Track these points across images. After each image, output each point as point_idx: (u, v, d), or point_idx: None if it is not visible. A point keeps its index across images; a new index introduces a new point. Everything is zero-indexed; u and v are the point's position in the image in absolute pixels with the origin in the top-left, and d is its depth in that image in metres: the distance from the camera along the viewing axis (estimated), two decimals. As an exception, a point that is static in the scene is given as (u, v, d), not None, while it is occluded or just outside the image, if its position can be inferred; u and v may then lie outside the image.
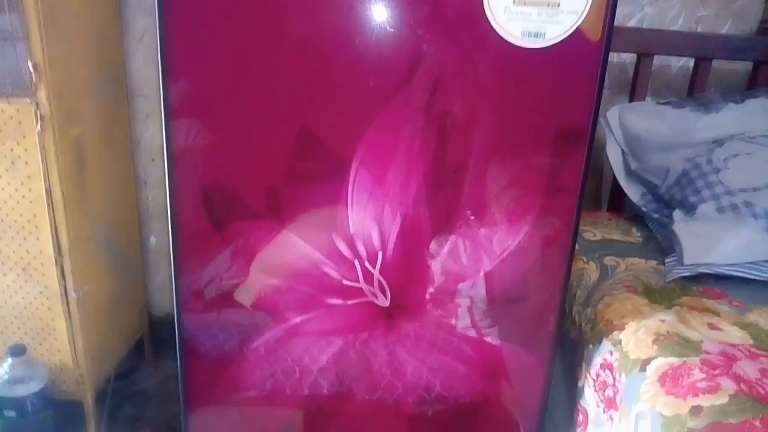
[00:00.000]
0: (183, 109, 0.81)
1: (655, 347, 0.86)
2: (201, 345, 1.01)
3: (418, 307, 0.93)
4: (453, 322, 0.95)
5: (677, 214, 1.13)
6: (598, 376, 0.94)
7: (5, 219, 1.19)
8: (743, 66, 1.45)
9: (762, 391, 0.77)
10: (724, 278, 1.05)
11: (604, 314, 0.98)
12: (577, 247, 1.17)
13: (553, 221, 0.87)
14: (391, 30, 0.78)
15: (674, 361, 0.83)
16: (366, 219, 0.87)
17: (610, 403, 0.90)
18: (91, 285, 1.31)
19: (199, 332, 0.99)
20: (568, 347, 1.06)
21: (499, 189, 0.85)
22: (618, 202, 1.39)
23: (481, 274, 0.90)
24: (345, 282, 0.91)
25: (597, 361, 0.95)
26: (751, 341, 0.89)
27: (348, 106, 0.82)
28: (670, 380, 0.81)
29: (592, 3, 0.77)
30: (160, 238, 1.67)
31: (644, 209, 1.24)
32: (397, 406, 1.00)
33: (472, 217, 0.87)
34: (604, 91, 1.41)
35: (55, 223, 1.19)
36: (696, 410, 0.75)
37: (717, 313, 0.96)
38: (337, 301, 0.92)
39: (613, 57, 1.50)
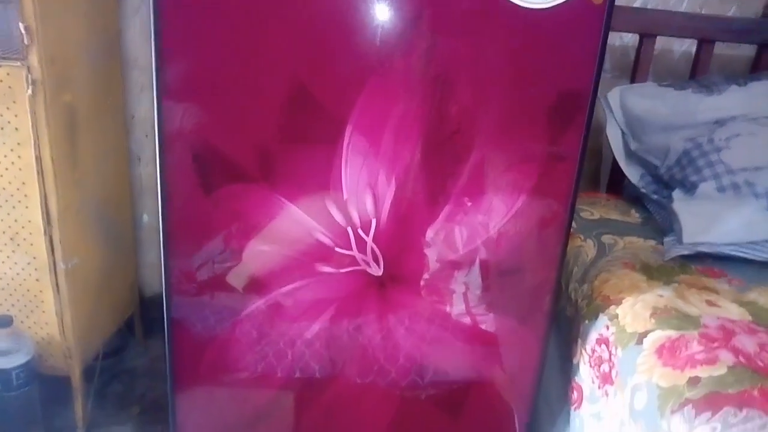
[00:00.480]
0: (174, 66, 0.79)
1: (653, 321, 0.85)
2: (191, 326, 0.99)
3: (412, 278, 0.91)
4: (447, 301, 0.93)
5: (677, 193, 1.11)
6: (593, 351, 0.93)
7: (-7, 186, 1.17)
8: (746, 51, 1.44)
9: (761, 364, 0.75)
10: (723, 258, 1.04)
11: (601, 290, 0.97)
12: (574, 225, 1.15)
13: (551, 189, 0.85)
14: (390, -12, 0.76)
15: (672, 334, 0.81)
16: (360, 184, 0.85)
17: (606, 378, 0.88)
18: (80, 258, 1.29)
19: (189, 313, 0.97)
20: (563, 324, 1.05)
21: (497, 155, 0.83)
22: (616, 185, 1.38)
23: (478, 244, 0.88)
24: (337, 249, 0.89)
25: (593, 336, 0.93)
26: (750, 318, 0.88)
27: (344, 66, 0.80)
28: (668, 352, 0.79)
29: (595, -37, 0.75)
30: (153, 215, 1.64)
31: (643, 190, 1.23)
32: (389, 382, 0.99)
33: (467, 199, 0.85)
34: (604, 74, 1.40)
35: (44, 191, 1.17)
36: (694, 381, 0.73)
37: (716, 291, 0.95)
38: (330, 269, 0.90)
39: (615, 40, 1.48)
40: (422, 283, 0.92)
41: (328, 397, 1.01)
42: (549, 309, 0.93)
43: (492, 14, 0.78)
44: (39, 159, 1.15)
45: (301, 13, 0.77)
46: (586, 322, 0.96)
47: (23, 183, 1.17)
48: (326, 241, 0.88)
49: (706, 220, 1.05)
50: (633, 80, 1.36)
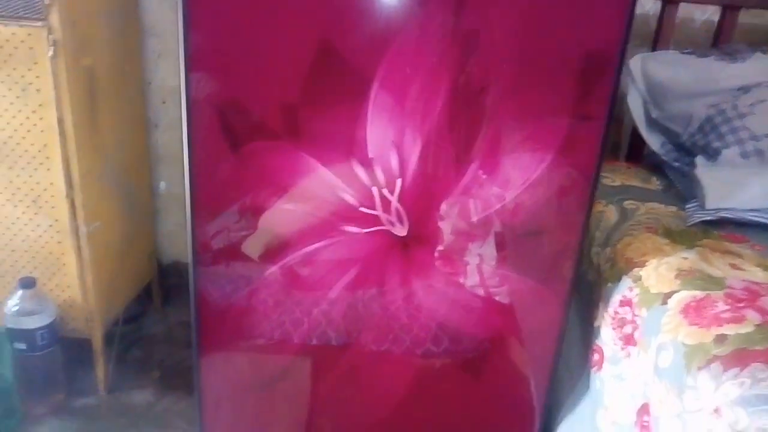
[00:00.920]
0: (201, 20, 0.78)
1: (678, 281, 0.85)
2: (212, 293, 0.99)
3: (435, 238, 0.91)
4: (470, 257, 0.93)
5: (700, 159, 1.11)
6: (616, 313, 0.93)
7: (16, 148, 1.18)
8: (769, 20, 1.42)
9: (788, 324, 0.75)
10: (745, 224, 1.03)
11: (624, 253, 0.96)
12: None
13: (578, 149, 0.85)
14: (419, -58, 0.75)
15: (698, 294, 0.81)
16: (385, 142, 0.85)
17: (629, 339, 0.89)
18: (101, 222, 1.30)
19: (211, 281, 0.98)
20: (584, 289, 1.05)
21: (524, 113, 0.83)
22: (636, 153, 1.37)
23: (503, 204, 0.88)
24: (362, 209, 0.89)
25: (615, 298, 0.93)
26: (775, 281, 0.87)
27: (371, 23, 0.79)
28: (694, 311, 0.79)
29: None
30: (171, 183, 1.65)
31: (665, 158, 1.22)
32: (408, 347, 0.99)
33: (493, 158, 0.85)
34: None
35: (66, 154, 1.18)
36: (720, 339, 0.73)
37: (739, 255, 0.94)
38: (354, 229, 0.90)
39: (636, 8, 1.46)
40: (445, 243, 0.93)
41: (345, 362, 1.02)
42: (571, 272, 0.93)
43: (522, -30, 0.77)
44: (61, 121, 1.15)
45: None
46: (609, 285, 0.96)
47: (45, 145, 1.17)
48: (350, 200, 0.88)
49: (729, 186, 1.04)
50: (654, 48, 1.34)
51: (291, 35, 0.80)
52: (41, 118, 1.15)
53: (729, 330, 0.74)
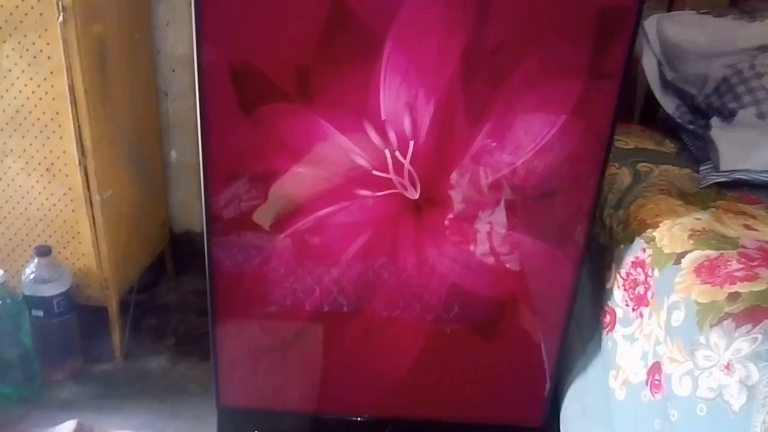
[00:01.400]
0: (212, -19, 0.78)
1: (691, 242, 0.84)
2: (226, 261, 1.00)
3: (448, 201, 0.91)
4: (482, 220, 0.93)
5: (715, 121, 1.09)
6: (628, 274, 0.93)
7: (28, 116, 1.18)
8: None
9: (802, 282, 0.75)
10: (760, 186, 1.03)
11: (637, 214, 0.96)
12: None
13: (593, 108, 0.84)
14: None
15: (711, 253, 0.81)
16: (398, 104, 0.84)
17: (640, 300, 0.89)
18: (114, 190, 1.31)
19: (225, 249, 0.98)
20: (596, 252, 1.05)
21: (538, 73, 0.82)
22: (650, 116, 1.36)
23: (517, 165, 0.88)
24: (374, 172, 0.89)
25: (628, 260, 0.93)
26: (790, 241, 0.87)
27: (384, -21, 0.78)
28: (707, 271, 0.79)
29: None
30: (182, 152, 1.65)
31: (679, 120, 1.21)
32: (420, 309, 1.00)
33: (508, 118, 0.84)
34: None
35: (78, 121, 1.18)
36: (733, 296, 0.73)
37: (753, 216, 0.94)
38: (366, 193, 0.90)
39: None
40: (455, 211, 0.93)
41: (357, 327, 1.03)
42: (584, 234, 0.94)
43: (536, -76, 0.75)
44: (72, 88, 1.15)
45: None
46: (621, 246, 0.96)
47: (57, 113, 1.18)
48: (363, 163, 0.88)
49: (745, 148, 1.03)
50: (670, 9, 1.32)
51: (303, -5, 0.80)
52: (52, 86, 1.15)
53: (742, 288, 0.74)
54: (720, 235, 0.86)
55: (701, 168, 1.07)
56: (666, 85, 1.25)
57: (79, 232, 1.28)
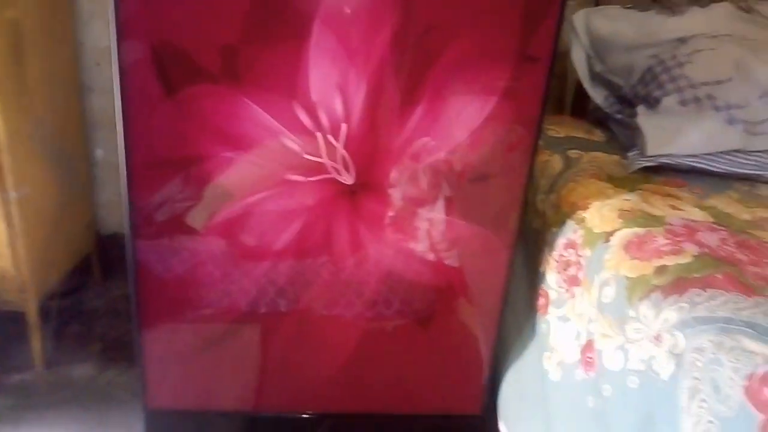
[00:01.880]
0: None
1: (620, 220, 0.86)
2: (152, 266, 0.95)
3: (382, 186, 0.90)
4: (418, 205, 0.92)
5: (641, 108, 1.13)
6: (561, 256, 0.94)
7: (-66, 107, 1.10)
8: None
9: (723, 254, 0.77)
10: (684, 170, 1.06)
11: (569, 198, 0.98)
12: (541, 142, 1.15)
13: (523, 92, 0.84)
14: None
15: (639, 231, 0.83)
16: (328, 85, 0.82)
17: (573, 281, 0.90)
18: (32, 187, 1.23)
19: (151, 253, 0.94)
20: (530, 237, 1.06)
21: (468, 55, 0.82)
22: (580, 110, 1.39)
23: (450, 148, 0.87)
24: (306, 156, 0.86)
25: (560, 242, 0.94)
26: (712, 219, 0.90)
27: (310, -43, 0.77)
28: (635, 247, 0.81)
29: None
30: (108, 151, 1.58)
31: (608, 111, 1.24)
32: (357, 301, 0.98)
33: (439, 101, 0.84)
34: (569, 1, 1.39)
35: (-10, 112, 1.11)
36: (660, 270, 0.75)
37: (678, 198, 0.97)
38: (298, 178, 0.88)
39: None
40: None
41: (294, 324, 1.00)
42: (517, 218, 0.94)
43: None
44: (-18, 77, 1.08)
45: None
46: (554, 229, 0.97)
47: (-34, 103, 1.10)
48: (294, 147, 0.86)
49: (669, 133, 1.06)
50: (597, 4, 1.36)
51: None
52: (-40, 73, 1.08)
53: (669, 261, 0.76)
54: (647, 214, 0.88)
55: (629, 153, 1.10)
56: (595, 77, 1.28)
57: (-8, 232, 1.20)
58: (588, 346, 0.84)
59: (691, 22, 1.22)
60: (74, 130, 1.47)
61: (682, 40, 1.18)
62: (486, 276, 0.99)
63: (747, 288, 0.69)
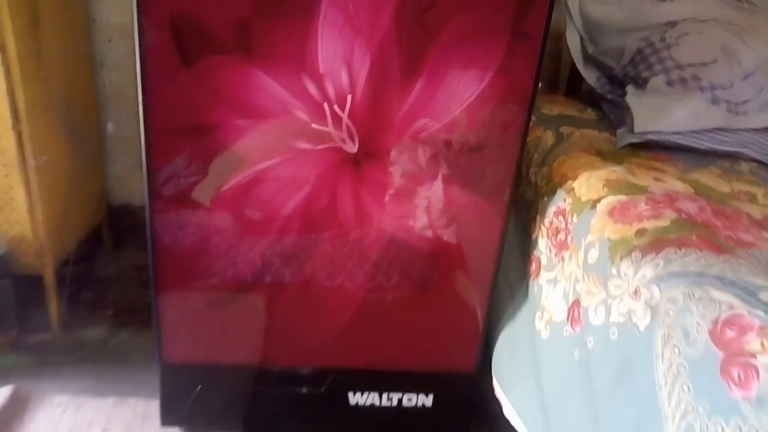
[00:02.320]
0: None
1: (606, 189, 0.92)
2: (163, 236, 1.01)
3: (385, 154, 0.96)
4: (417, 172, 0.98)
5: (630, 88, 1.19)
6: (551, 223, 1.00)
7: (-43, 77, 1.15)
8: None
9: (699, 219, 0.84)
10: (670, 147, 1.12)
11: (559, 169, 1.04)
12: (534, 119, 1.22)
13: (517, 66, 0.90)
14: None
15: (623, 198, 0.89)
16: (335, 58, 0.88)
17: (562, 246, 0.96)
18: (49, 156, 1.29)
19: (161, 225, 0.99)
20: (523, 208, 1.12)
21: (466, 32, 0.88)
22: (574, 90, 1.44)
23: (448, 119, 0.93)
24: (314, 126, 0.92)
25: (551, 210, 1.01)
26: (692, 191, 0.96)
27: (320, -63, 0.82)
28: (618, 212, 0.87)
29: None
30: (119, 125, 1.64)
31: (599, 91, 1.30)
32: (359, 262, 1.05)
33: (439, 73, 0.90)
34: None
35: (11, 84, 1.16)
36: (640, 232, 0.81)
37: (662, 171, 1.03)
38: (306, 146, 0.94)
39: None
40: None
41: (298, 291, 1.07)
42: (510, 185, 1.00)
43: None
44: (3, 48, 1.14)
45: None
46: (545, 199, 1.03)
47: (-11, 75, 1.15)
48: (302, 116, 0.92)
49: (656, 111, 1.12)
50: (592, -11, 1.41)
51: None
52: (-17, 45, 1.13)
53: (648, 224, 0.82)
54: (631, 184, 0.94)
55: (618, 131, 1.16)
56: (588, 58, 1.34)
57: (13, 198, 1.26)
58: (575, 305, 0.90)
59: (681, 6, 1.28)
60: (86, 104, 1.53)
61: (671, 24, 1.24)
62: (481, 243, 1.05)
63: (719, 248, 0.76)
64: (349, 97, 0.91)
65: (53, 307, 1.38)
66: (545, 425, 0.94)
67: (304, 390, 1.15)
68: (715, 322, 0.65)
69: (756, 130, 1.14)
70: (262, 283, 1.05)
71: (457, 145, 0.96)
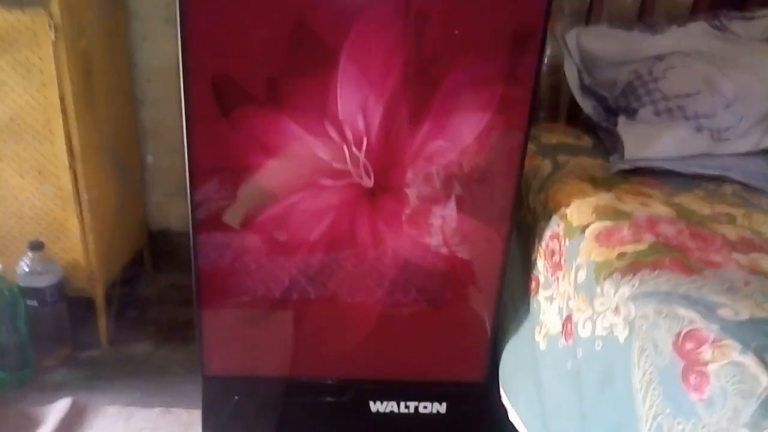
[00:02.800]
0: (195, 6, 0.94)
1: (594, 215, 1.04)
2: (205, 258, 1.14)
3: (398, 188, 1.09)
4: (427, 203, 1.11)
5: (621, 118, 1.30)
6: (547, 246, 1.12)
7: (21, 124, 1.31)
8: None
9: (675, 243, 0.95)
10: (658, 172, 1.23)
11: (555, 196, 1.15)
12: (534, 147, 1.34)
13: (512, 109, 1.03)
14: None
15: (608, 224, 1.00)
16: (353, 107, 1.01)
17: (556, 266, 1.08)
18: (99, 191, 1.44)
19: (206, 246, 1.13)
20: (524, 231, 1.24)
21: (467, 80, 1.00)
22: (575, 117, 1.56)
23: (453, 157, 1.06)
24: (335, 164, 1.06)
25: (547, 234, 1.12)
26: (675, 214, 1.07)
27: (338, 3, 0.95)
28: (603, 237, 0.98)
29: None
30: (157, 157, 1.79)
31: (595, 119, 1.41)
32: (377, 282, 1.17)
33: (444, 117, 1.03)
34: (563, 18, 1.57)
35: (68, 128, 1.32)
36: (621, 255, 0.93)
37: (649, 196, 1.14)
38: (329, 182, 1.07)
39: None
40: (406, 192, 1.10)
41: (323, 307, 1.20)
42: (510, 212, 1.12)
43: (460, -40, 0.94)
44: (62, 98, 1.29)
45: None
46: (542, 223, 1.14)
47: (48, 120, 1.31)
48: (325, 157, 1.05)
49: (645, 140, 1.23)
50: (588, 23, 1.53)
51: (272, 17, 0.96)
52: (45, 97, 1.29)
53: (629, 248, 0.93)
54: (618, 210, 1.05)
55: (611, 158, 1.27)
56: (584, 89, 1.45)
57: (68, 229, 1.42)
58: (567, 320, 1.02)
59: (669, 40, 1.39)
60: (129, 139, 1.69)
61: (659, 57, 1.35)
62: (487, 263, 1.17)
63: (688, 269, 0.87)
64: (365, 140, 1.04)
65: (102, 325, 1.52)
66: (544, 429, 1.05)
67: (330, 399, 1.27)
68: (678, 335, 0.76)
69: (738, 155, 1.24)
70: (289, 301, 1.18)
71: (464, 177, 1.08)
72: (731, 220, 1.11)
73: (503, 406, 1.22)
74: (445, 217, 1.12)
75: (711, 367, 0.70)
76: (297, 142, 1.03)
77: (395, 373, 1.26)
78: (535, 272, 1.16)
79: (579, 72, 1.46)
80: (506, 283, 1.21)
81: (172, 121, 1.69)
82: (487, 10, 0.98)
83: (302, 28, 0.95)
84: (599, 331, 0.91)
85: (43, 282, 1.38)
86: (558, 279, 1.07)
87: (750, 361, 0.67)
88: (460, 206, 1.11)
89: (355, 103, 1.01)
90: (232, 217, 1.12)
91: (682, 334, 0.75)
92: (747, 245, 0.98)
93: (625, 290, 0.87)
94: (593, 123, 1.44)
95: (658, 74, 1.30)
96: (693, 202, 1.14)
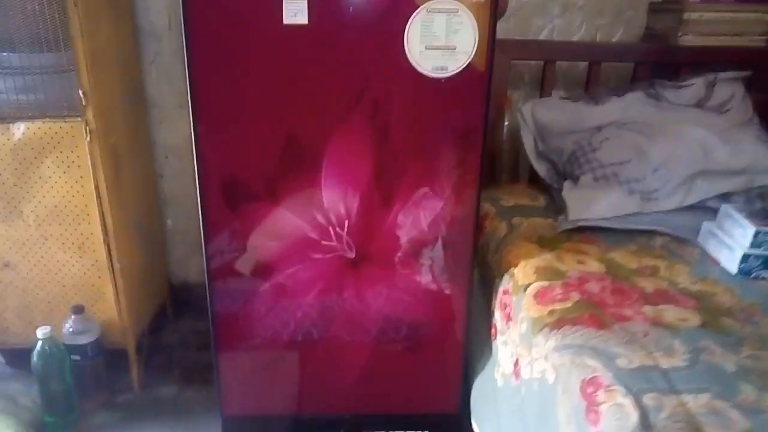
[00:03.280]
0: (206, 127, 1.19)
1: (535, 275, 1.27)
2: (221, 306, 1.39)
3: (375, 257, 1.33)
4: (400, 269, 1.35)
5: (567, 183, 1.53)
6: (501, 299, 1.35)
7: (64, 210, 1.57)
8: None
9: (596, 299, 1.18)
10: (597, 230, 1.46)
11: (506, 257, 1.39)
12: (494, 210, 1.57)
13: (462, 194, 1.27)
14: (345, 68, 1.17)
15: (545, 283, 1.24)
16: (335, 197, 1.26)
17: (508, 317, 1.31)
18: (129, 259, 1.70)
19: (214, 296, 1.37)
20: (486, 285, 1.47)
21: (425, 172, 1.25)
22: (535, 176, 1.79)
23: (418, 231, 1.30)
24: (323, 242, 1.30)
25: (501, 289, 1.36)
26: (605, 270, 1.30)
27: (319, 120, 1.21)
28: (540, 296, 1.21)
29: (478, 46, 1.16)
30: (176, 221, 2.05)
31: (548, 182, 1.64)
32: (367, 334, 1.41)
33: (409, 201, 1.27)
34: (524, 87, 1.81)
35: (102, 211, 1.57)
36: (552, 313, 1.16)
37: (586, 253, 1.37)
38: (318, 256, 1.32)
39: (531, 62, 1.88)
40: (382, 261, 1.35)
41: (324, 348, 1.44)
42: (469, 273, 1.36)
43: (412, 81, 1.18)
44: (97, 187, 1.55)
45: (289, 87, 1.18)
46: (497, 280, 1.38)
47: (86, 206, 1.57)
48: (314, 236, 1.29)
49: (585, 202, 1.47)
50: (542, 94, 1.77)
51: (269, 133, 1.21)
52: (82, 186, 1.55)
53: (557, 306, 1.16)
54: (555, 270, 1.28)
55: (559, 218, 1.50)
56: (539, 154, 1.68)
57: (104, 293, 1.66)
58: (516, 362, 1.25)
59: (608, 111, 1.62)
60: (152, 208, 1.94)
61: (598, 128, 1.59)
62: (453, 314, 1.41)
63: (601, 324, 1.10)
64: (347, 222, 1.28)
65: (134, 372, 1.77)
66: (503, 452, 1.28)
67: None
68: (583, 381, 0.99)
69: (665, 212, 1.47)
70: (296, 343, 1.42)
71: (427, 248, 1.32)
72: (654, 272, 1.33)
73: (474, 433, 1.45)
74: (419, 278, 1.36)
75: (602, 407, 0.92)
76: (291, 227, 1.28)
77: (383, 407, 1.49)
78: (494, 320, 1.39)
79: (534, 139, 1.70)
80: (475, 328, 1.45)
81: (187, 190, 1.95)
82: (439, 118, 1.22)
83: (292, 140, 1.21)
84: (535, 374, 1.14)
85: (84, 340, 1.63)
86: (509, 327, 1.30)
87: (628, 402, 0.90)
88: (430, 269, 1.35)
89: (337, 194, 1.26)
90: (242, 266, 1.36)
91: (587, 380, 0.98)
92: (660, 297, 1.20)
93: (552, 342, 1.10)
94: (547, 184, 1.67)
95: (596, 145, 1.53)
96: (624, 256, 1.37)
